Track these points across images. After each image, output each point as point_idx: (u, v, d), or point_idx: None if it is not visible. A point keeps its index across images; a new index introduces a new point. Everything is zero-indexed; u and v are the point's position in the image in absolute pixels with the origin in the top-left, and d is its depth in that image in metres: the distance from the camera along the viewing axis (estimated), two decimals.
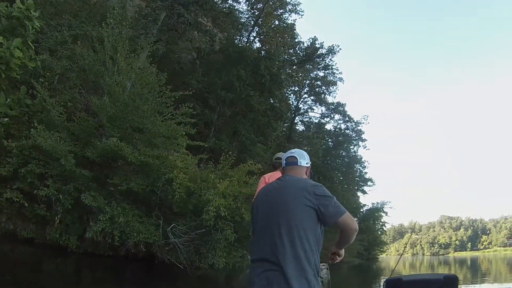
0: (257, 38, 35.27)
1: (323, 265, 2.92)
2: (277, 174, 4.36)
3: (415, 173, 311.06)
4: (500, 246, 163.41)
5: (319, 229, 2.64)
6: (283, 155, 3.22)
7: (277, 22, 35.35)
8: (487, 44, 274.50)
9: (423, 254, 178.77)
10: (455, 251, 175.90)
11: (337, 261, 3.01)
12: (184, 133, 15.43)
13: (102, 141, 13.25)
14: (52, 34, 15.11)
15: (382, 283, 3.46)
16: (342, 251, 2.93)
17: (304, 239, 2.54)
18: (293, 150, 3.16)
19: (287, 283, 2.41)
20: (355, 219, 2.73)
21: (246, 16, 33.64)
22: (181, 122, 15.67)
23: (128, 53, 15.37)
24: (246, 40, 33.42)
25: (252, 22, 33.36)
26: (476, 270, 30.56)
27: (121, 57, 14.61)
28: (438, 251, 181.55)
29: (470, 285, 16.92)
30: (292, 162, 3.03)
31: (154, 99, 15.09)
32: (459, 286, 3.52)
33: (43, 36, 14.77)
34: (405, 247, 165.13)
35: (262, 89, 26.63)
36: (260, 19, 33.11)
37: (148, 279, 12.60)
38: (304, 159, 3.04)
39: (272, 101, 29.76)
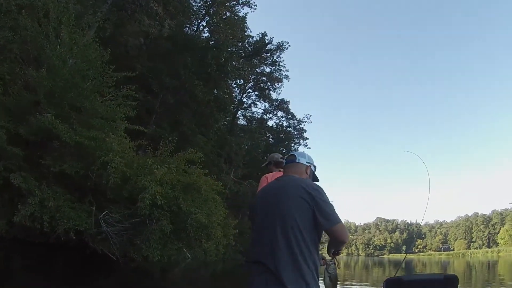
0: (207, 28, 34.91)
1: (331, 261, 2.99)
2: (278, 174, 4.27)
3: (353, 174, 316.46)
4: (434, 251, 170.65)
5: (317, 228, 2.60)
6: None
7: (228, 14, 35.14)
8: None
9: (358, 255, 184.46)
10: (390, 253, 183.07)
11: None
12: (124, 115, 14.97)
13: (37, 118, 12.52)
14: None
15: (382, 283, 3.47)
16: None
17: (301, 241, 2.51)
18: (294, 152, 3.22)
19: (284, 286, 2.40)
20: None
21: (198, 5, 33.29)
22: (121, 104, 15.16)
23: (74, 28, 14.63)
24: (195, 29, 33.08)
25: (204, 11, 33.02)
26: (410, 272, 31.63)
27: (65, 30, 13.88)
28: (373, 252, 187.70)
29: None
30: (291, 160, 3.07)
31: (95, 77, 14.54)
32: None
33: None
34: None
35: (207, 79, 26.51)
36: (211, 9, 32.82)
37: (80, 270, 12.11)
38: (303, 158, 3.07)
39: (216, 92, 29.65)
